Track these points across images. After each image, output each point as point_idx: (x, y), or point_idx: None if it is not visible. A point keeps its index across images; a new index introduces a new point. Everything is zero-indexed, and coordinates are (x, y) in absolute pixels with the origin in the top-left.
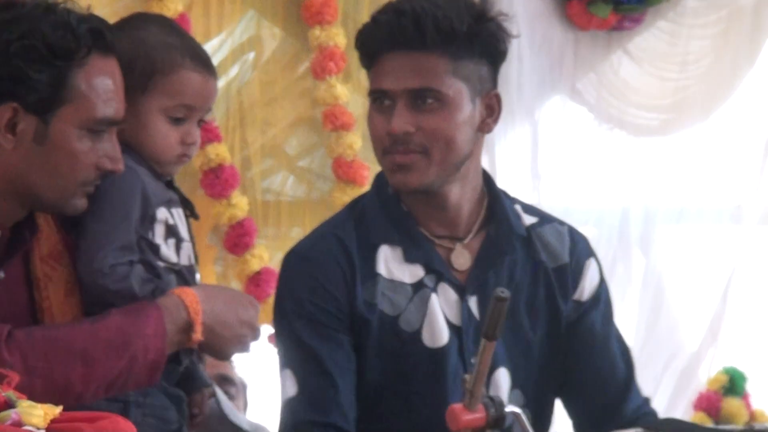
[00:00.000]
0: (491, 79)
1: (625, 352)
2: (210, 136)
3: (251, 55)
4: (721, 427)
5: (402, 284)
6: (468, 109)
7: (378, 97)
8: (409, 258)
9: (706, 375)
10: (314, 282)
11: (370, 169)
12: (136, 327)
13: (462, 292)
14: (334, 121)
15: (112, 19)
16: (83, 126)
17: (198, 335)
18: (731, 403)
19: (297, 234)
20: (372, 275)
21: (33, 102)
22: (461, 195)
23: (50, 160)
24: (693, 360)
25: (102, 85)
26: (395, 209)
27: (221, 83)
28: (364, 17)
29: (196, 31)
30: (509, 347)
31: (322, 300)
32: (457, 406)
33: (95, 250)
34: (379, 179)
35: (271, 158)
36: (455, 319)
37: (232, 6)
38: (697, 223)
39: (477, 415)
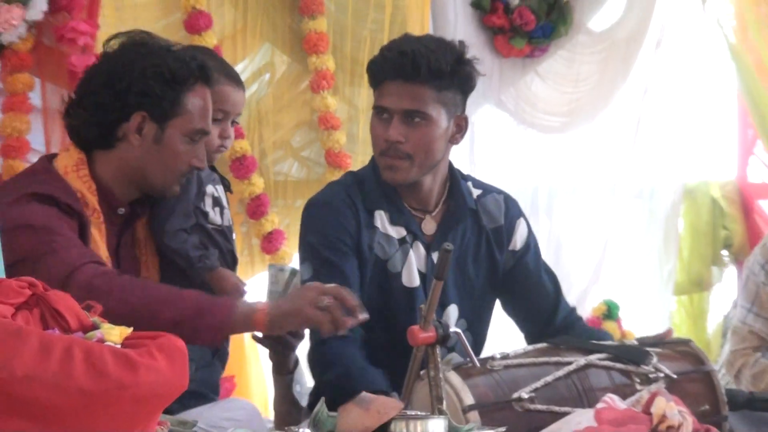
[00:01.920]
0: (462, 104)
1: (552, 277)
2: (236, 134)
3: (267, 76)
4: (601, 342)
5: (392, 238)
6: (444, 127)
7: (380, 111)
8: (394, 222)
9: (591, 306)
10: (334, 220)
11: (351, 157)
12: (211, 298)
13: (428, 249)
14: (326, 123)
15: None
16: (186, 134)
17: (260, 315)
18: (608, 326)
19: (300, 204)
20: (371, 227)
21: (156, 113)
22: (432, 183)
23: (162, 157)
24: (582, 295)
25: (201, 106)
26: (386, 186)
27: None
28: (348, 49)
29: (226, 57)
30: (458, 289)
31: (341, 232)
32: (414, 327)
33: (165, 217)
34: (375, 160)
35: (281, 150)
36: (422, 268)
37: (252, 40)
38: (586, 196)
39: (429, 334)
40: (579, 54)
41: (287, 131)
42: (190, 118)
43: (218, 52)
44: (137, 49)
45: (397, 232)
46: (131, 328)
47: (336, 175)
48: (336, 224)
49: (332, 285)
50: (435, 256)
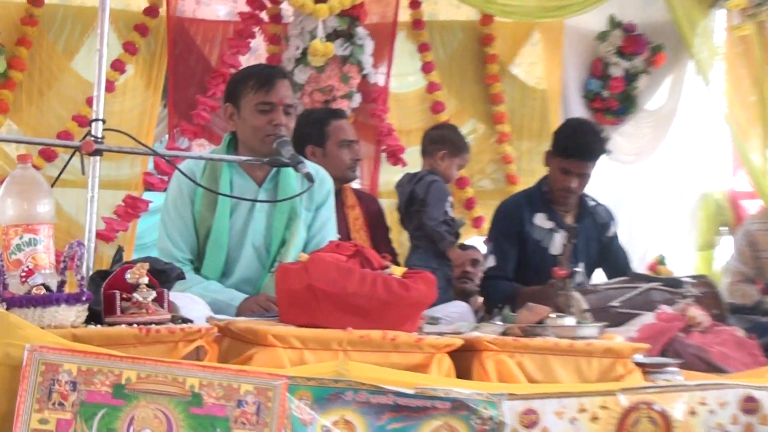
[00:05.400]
0: None
1: (626, 254)
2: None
3: (472, 136)
4: (656, 276)
5: (544, 228)
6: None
7: (566, 171)
8: (549, 219)
9: (652, 257)
10: (508, 220)
11: (519, 179)
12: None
13: (568, 231)
14: (505, 160)
15: (420, 122)
16: (338, 145)
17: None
18: (661, 269)
19: (491, 203)
20: (532, 223)
21: (319, 142)
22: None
23: (331, 162)
24: (645, 253)
25: (339, 128)
26: (544, 198)
27: None
28: (517, 120)
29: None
30: (584, 255)
31: (510, 227)
32: (556, 268)
33: (437, 211)
34: (540, 182)
35: (480, 174)
36: (565, 242)
37: (465, 116)
38: (651, 199)
39: (564, 271)
40: (641, 124)
41: (484, 165)
42: (336, 137)
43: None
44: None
45: (548, 224)
46: (405, 268)
47: (511, 188)
48: (508, 223)
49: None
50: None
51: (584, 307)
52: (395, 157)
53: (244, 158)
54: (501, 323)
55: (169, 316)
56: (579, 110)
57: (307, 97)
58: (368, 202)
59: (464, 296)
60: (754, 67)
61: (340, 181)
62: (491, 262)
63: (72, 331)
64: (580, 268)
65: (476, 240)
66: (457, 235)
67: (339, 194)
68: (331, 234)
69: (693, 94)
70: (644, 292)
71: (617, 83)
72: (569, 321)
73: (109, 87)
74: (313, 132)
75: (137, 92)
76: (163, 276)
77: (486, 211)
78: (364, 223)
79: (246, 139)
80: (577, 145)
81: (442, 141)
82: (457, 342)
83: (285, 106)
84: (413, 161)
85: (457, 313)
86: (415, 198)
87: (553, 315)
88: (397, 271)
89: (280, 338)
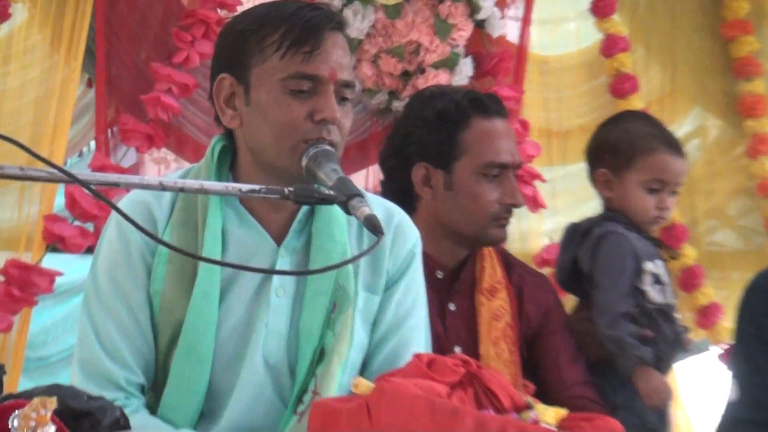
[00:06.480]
0: None
1: None
2: None
3: (697, 141)
4: None
5: None
6: None
7: None
8: None
9: None
10: None
11: None
12: None
13: None
14: (766, 190)
15: (589, 113)
16: (479, 171)
17: None
18: None
19: (738, 277)
20: None
21: (437, 160)
22: None
23: (458, 202)
24: None
25: (486, 138)
26: None
27: None
28: None
29: None
30: None
31: None
32: None
33: (611, 294)
34: None
35: (714, 219)
36: None
37: (682, 104)
38: None
39: None
40: None
41: (721, 199)
42: (476, 154)
43: None
44: (412, 103)
45: None
46: (566, 409)
47: None
48: None
49: None
50: None
51: None
52: (529, 187)
53: (247, 188)
54: None
55: None
56: None
57: (367, 65)
58: (529, 283)
59: None
60: None
61: (474, 240)
62: (733, 395)
63: None
64: None
65: (708, 350)
66: (675, 341)
67: (463, 266)
68: (419, 337)
69: None
70: None
71: None
72: None
73: None
74: (433, 137)
75: (33, 57)
76: (85, 423)
77: (729, 293)
78: (512, 326)
79: (259, 149)
80: None
81: (598, 150)
82: None
83: (340, 86)
84: (579, 194)
85: None
86: (581, 272)
87: None
88: (549, 416)
89: None
